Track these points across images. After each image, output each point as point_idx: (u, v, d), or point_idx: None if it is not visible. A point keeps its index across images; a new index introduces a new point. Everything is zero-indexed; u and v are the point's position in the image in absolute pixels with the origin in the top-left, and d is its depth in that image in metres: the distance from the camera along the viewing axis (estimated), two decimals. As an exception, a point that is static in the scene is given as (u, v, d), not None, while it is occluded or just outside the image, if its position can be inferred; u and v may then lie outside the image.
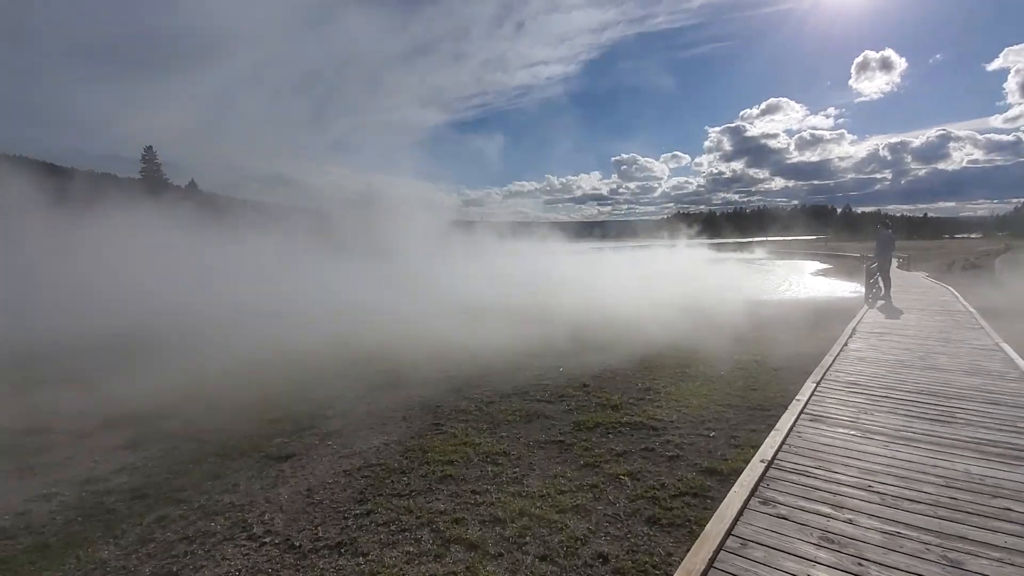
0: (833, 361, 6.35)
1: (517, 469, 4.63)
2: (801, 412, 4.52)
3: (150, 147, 58.84)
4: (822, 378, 5.70)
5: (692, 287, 21.92)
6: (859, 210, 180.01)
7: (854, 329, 8.63)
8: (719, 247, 73.90)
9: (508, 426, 5.78)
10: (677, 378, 7.74)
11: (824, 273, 29.83)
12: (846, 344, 7.43)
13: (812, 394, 5.07)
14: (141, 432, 5.93)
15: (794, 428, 4.21)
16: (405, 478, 4.51)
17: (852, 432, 4.13)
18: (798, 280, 26.37)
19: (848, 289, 21.19)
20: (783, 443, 3.88)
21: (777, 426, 4.25)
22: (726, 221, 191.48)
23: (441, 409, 6.46)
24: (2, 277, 17.75)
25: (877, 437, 4.01)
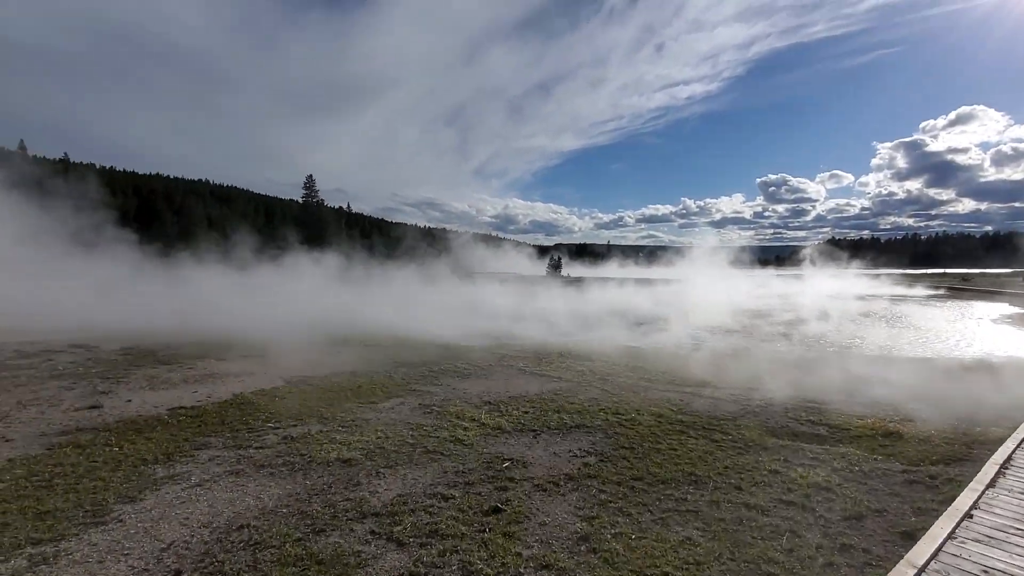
0: (931, 558, 2.77)
1: None
2: None
3: (310, 176, 65.42)
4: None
5: (808, 327, 17.18)
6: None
7: (1009, 456, 4.64)
8: (881, 279, 61.90)
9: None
10: (666, 502, 4.56)
11: (1012, 320, 22.11)
12: (976, 505, 3.67)
13: None
14: None
15: None
16: None
17: None
18: (970, 329, 19.61)
19: (1045, 350, 14.82)
20: None
21: None
22: (895, 249, 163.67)
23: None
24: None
25: None
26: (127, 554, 3.85)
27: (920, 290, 47.86)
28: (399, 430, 6.81)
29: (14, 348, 11.56)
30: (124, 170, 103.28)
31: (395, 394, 8.80)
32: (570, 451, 6.23)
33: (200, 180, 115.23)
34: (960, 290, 45.78)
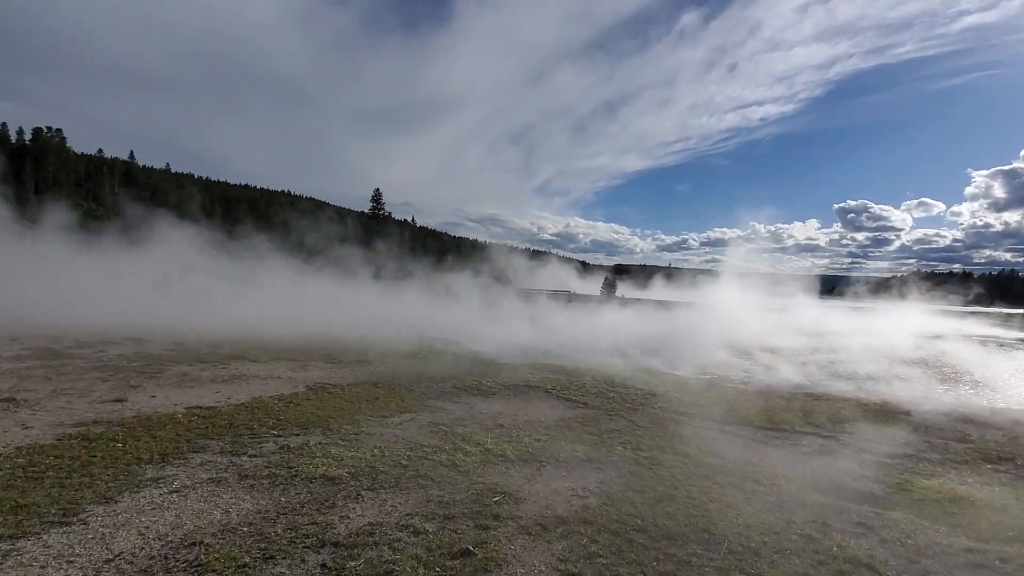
0: None
1: None
2: None
3: (377, 189, 67.82)
4: None
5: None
6: None
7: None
8: (972, 316, 55.61)
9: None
10: (666, 563, 3.88)
11: None
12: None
13: None
14: None
15: None
16: None
17: None
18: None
19: None
20: None
21: None
22: (991, 285, 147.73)
23: None
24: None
25: None
26: (72, 562, 3.66)
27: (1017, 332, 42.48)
28: (398, 448, 6.43)
29: (75, 338, 12.31)
30: (218, 180, 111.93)
31: (410, 408, 8.48)
32: (572, 489, 5.60)
33: (282, 191, 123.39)
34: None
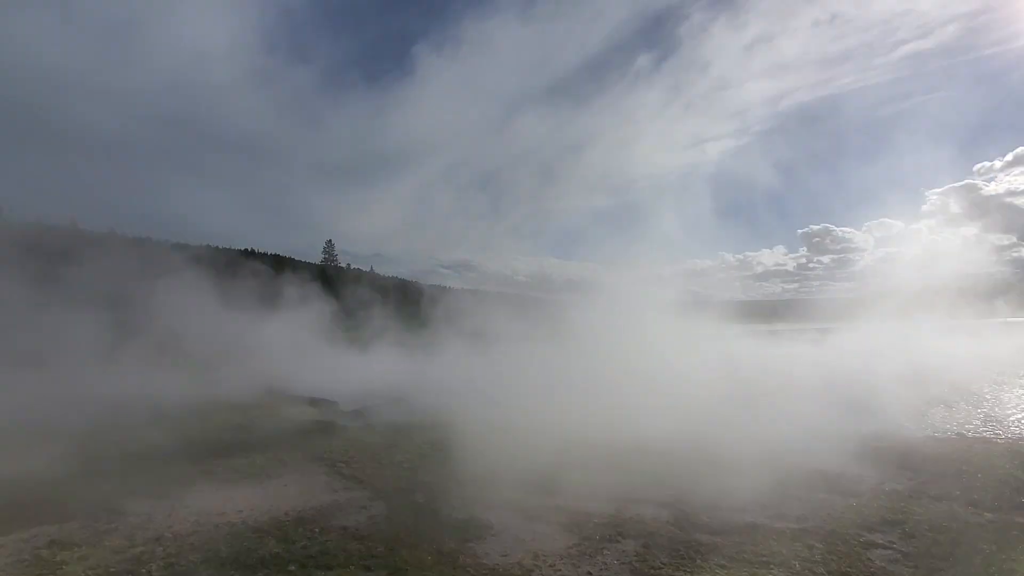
0: None
1: None
2: None
3: (330, 241, 65.16)
4: None
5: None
6: None
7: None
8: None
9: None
10: None
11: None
12: None
13: None
14: None
15: None
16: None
17: None
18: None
19: None
20: None
21: None
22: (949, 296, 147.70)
23: None
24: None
25: None
26: None
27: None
28: None
29: None
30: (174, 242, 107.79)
31: (37, 521, 5.46)
32: None
33: (246, 250, 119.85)
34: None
